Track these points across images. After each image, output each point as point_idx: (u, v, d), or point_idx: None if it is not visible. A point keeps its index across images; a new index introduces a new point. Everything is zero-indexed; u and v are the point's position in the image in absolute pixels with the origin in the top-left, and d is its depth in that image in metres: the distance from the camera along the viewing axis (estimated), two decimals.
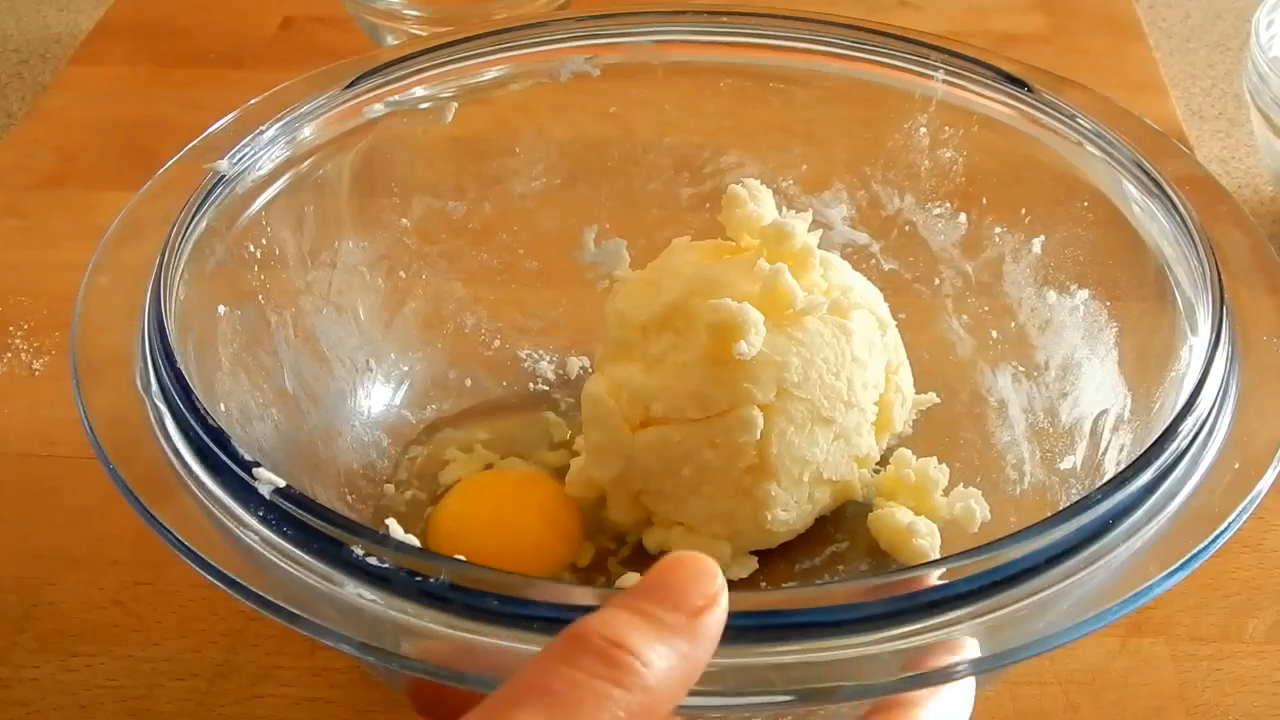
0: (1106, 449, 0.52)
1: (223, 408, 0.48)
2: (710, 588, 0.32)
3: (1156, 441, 0.40)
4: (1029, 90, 0.59)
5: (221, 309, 0.52)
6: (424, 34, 0.85)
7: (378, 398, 0.61)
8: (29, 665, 0.53)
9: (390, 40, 0.90)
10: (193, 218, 0.50)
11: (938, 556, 0.55)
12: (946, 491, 0.57)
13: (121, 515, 0.41)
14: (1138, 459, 0.40)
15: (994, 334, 0.62)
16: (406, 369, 0.62)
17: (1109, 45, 0.94)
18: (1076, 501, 0.38)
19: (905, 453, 0.58)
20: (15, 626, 0.55)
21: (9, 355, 0.68)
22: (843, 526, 0.57)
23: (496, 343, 0.65)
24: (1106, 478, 0.51)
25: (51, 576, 0.57)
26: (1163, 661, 0.53)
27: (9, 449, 0.62)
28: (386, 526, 0.42)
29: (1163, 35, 1.01)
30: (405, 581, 0.36)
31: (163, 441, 0.42)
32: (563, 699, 0.28)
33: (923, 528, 0.55)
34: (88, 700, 0.52)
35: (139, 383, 0.44)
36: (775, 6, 0.64)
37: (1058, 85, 0.58)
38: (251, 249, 0.54)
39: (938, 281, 0.64)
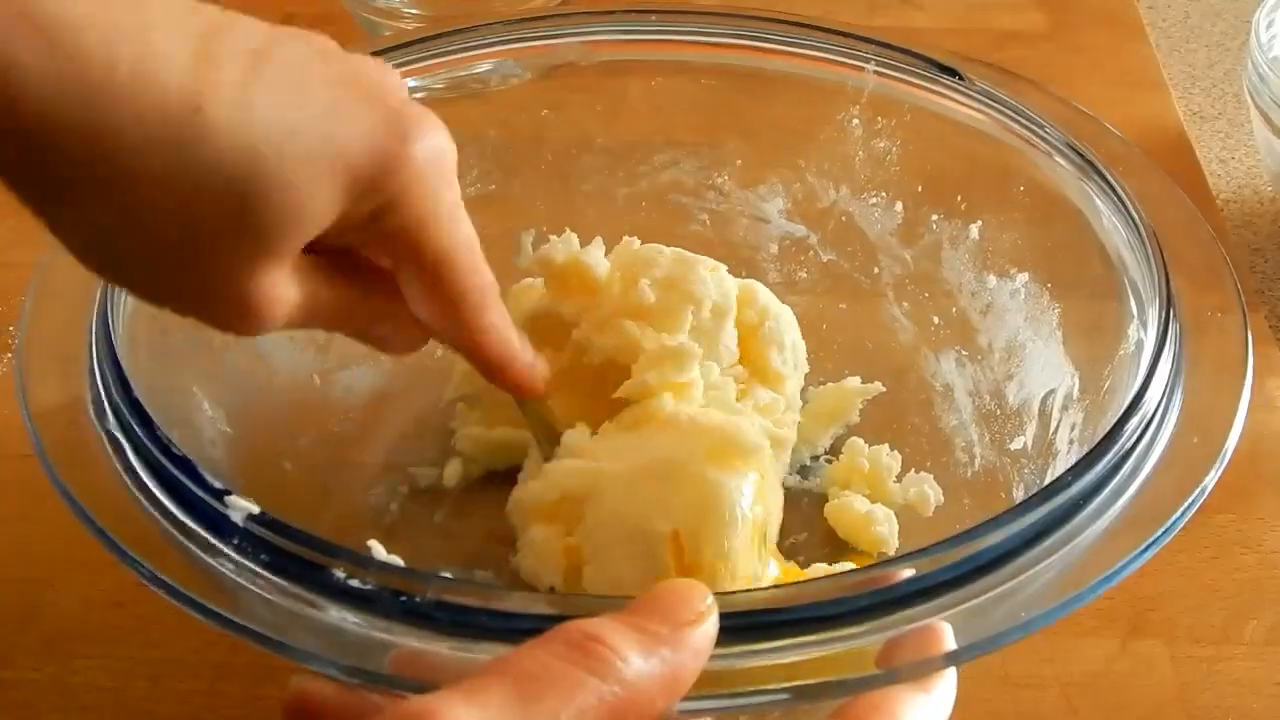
0: (1057, 428, 0.53)
1: (176, 435, 0.47)
2: (698, 606, 0.32)
3: (1119, 420, 0.41)
4: (960, 78, 0.59)
5: (166, 331, 0.51)
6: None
7: (325, 414, 0.60)
8: (30, 667, 0.53)
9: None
10: None
11: (895, 543, 0.55)
12: (899, 478, 0.58)
13: None
14: (1103, 438, 0.41)
15: (936, 320, 0.62)
16: (351, 383, 0.61)
17: (1109, 42, 0.95)
18: (1049, 484, 0.39)
19: (857, 441, 0.59)
20: (16, 628, 0.54)
21: (9, 355, 0.66)
22: (800, 517, 0.58)
23: (439, 352, 0.65)
24: (1059, 456, 0.52)
25: (52, 578, 0.56)
26: (1162, 663, 0.53)
27: (9, 449, 0.60)
28: (368, 547, 0.41)
29: (1163, 35, 1.02)
30: (390, 602, 0.35)
31: (123, 472, 0.41)
32: (536, 679, 0.29)
33: (880, 514, 0.56)
34: (89, 702, 0.52)
35: (92, 411, 0.43)
36: (743, 4, 0.64)
37: (991, 75, 0.59)
38: None
39: (877, 270, 0.64)
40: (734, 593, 0.37)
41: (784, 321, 0.58)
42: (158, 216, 0.34)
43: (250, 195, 0.34)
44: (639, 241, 0.58)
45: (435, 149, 0.39)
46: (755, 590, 0.40)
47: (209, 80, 0.33)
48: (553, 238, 0.57)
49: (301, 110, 0.35)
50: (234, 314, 0.37)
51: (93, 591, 0.55)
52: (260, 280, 0.36)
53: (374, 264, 0.42)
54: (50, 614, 0.55)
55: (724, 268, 0.57)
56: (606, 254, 0.57)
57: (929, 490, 0.56)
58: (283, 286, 0.37)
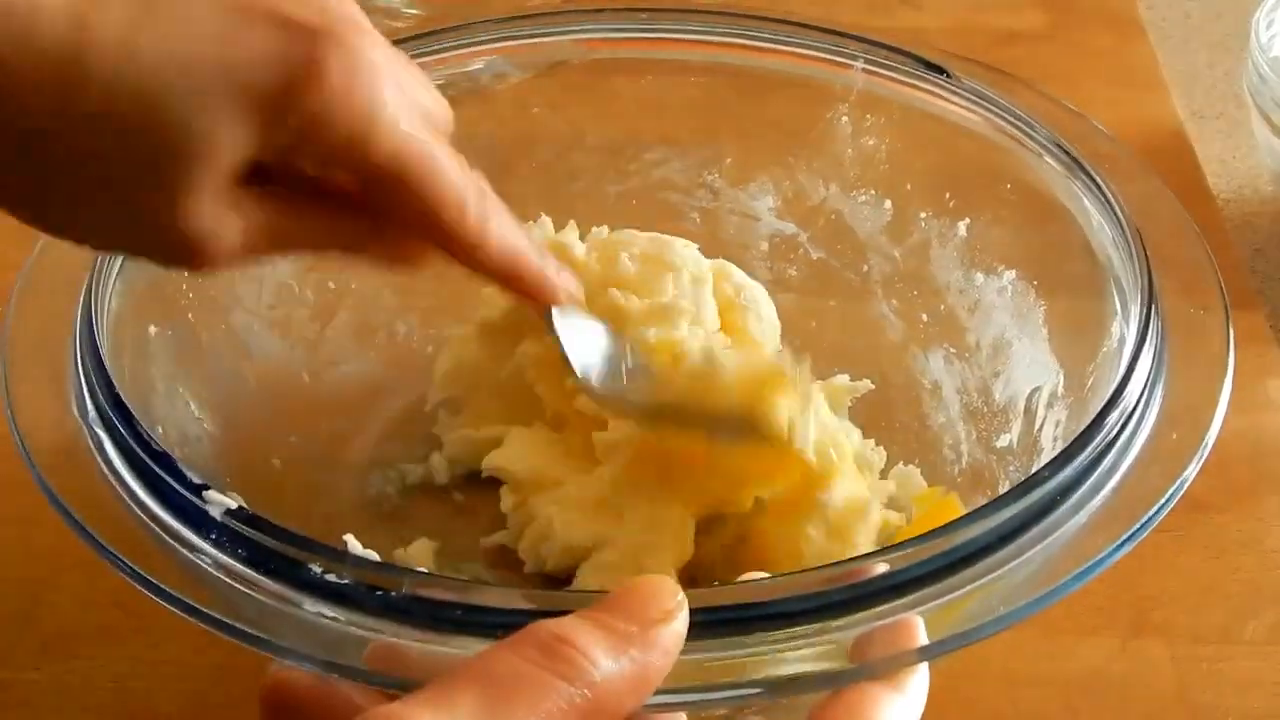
0: (1042, 425, 0.53)
1: (160, 430, 0.48)
2: (668, 603, 0.32)
3: (1098, 416, 0.41)
4: (947, 76, 0.59)
5: (153, 329, 0.51)
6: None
7: (315, 411, 0.60)
8: (30, 667, 0.53)
9: None
10: None
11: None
12: (884, 474, 0.58)
13: None
14: (1081, 434, 0.41)
15: (924, 317, 0.62)
16: (342, 379, 0.61)
17: (1109, 43, 0.94)
18: (1027, 479, 0.39)
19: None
20: (16, 628, 0.54)
21: None
22: None
23: (429, 349, 0.65)
24: (1043, 453, 0.52)
25: (52, 577, 0.56)
26: (1163, 663, 0.53)
27: (10, 449, 0.61)
28: (344, 542, 0.42)
29: (1163, 35, 1.01)
30: (366, 596, 0.36)
31: (103, 467, 0.41)
32: (503, 683, 0.29)
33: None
34: (89, 702, 0.52)
35: (75, 408, 0.43)
36: (741, 3, 0.64)
37: (981, 73, 0.59)
38: None
39: (866, 268, 0.64)
40: (704, 589, 0.37)
41: (759, 294, 0.58)
42: (71, 162, 0.35)
43: (147, 134, 0.34)
44: (608, 230, 0.58)
45: (352, 57, 0.36)
46: (725, 586, 0.40)
47: (92, 22, 0.33)
48: (529, 224, 0.57)
49: (192, 43, 0.34)
50: (175, 251, 0.37)
51: (93, 591, 0.55)
52: (191, 214, 0.36)
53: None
54: (50, 614, 0.55)
55: (696, 246, 0.57)
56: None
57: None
58: (220, 219, 0.36)
